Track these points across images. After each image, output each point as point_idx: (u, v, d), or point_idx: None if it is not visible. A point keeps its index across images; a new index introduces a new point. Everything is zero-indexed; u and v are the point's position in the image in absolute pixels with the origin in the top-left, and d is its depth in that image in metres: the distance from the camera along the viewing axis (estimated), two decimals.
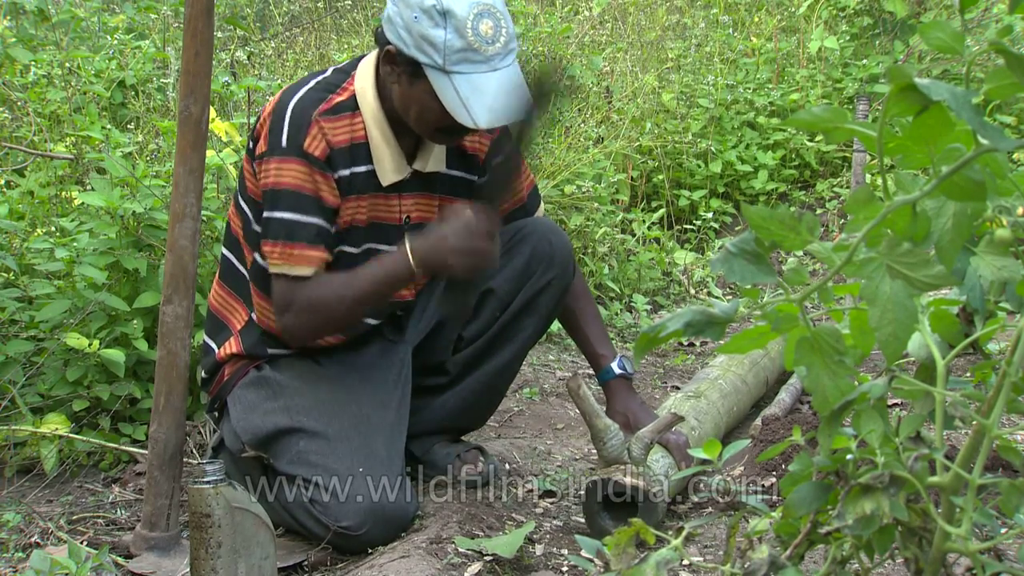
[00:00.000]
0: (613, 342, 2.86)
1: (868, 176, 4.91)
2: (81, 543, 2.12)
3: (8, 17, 4.12)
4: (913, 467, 1.01)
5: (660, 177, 5.31)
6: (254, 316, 2.27)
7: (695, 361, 3.80)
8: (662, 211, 5.10)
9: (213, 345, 2.32)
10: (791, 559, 1.09)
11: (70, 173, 3.35)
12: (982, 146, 0.89)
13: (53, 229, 2.95)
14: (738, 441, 1.42)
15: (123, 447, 2.56)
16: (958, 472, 1.00)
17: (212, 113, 2.66)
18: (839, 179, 5.63)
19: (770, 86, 5.95)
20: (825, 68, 6.05)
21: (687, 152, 5.41)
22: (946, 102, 0.86)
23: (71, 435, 2.48)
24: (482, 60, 2.02)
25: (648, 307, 4.35)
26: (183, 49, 2.05)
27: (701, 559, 2.06)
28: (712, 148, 5.46)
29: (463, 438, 2.52)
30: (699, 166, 5.46)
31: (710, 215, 5.06)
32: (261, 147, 2.15)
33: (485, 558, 1.96)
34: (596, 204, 4.40)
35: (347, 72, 2.21)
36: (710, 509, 2.30)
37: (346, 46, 5.86)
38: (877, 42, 6.29)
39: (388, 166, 2.19)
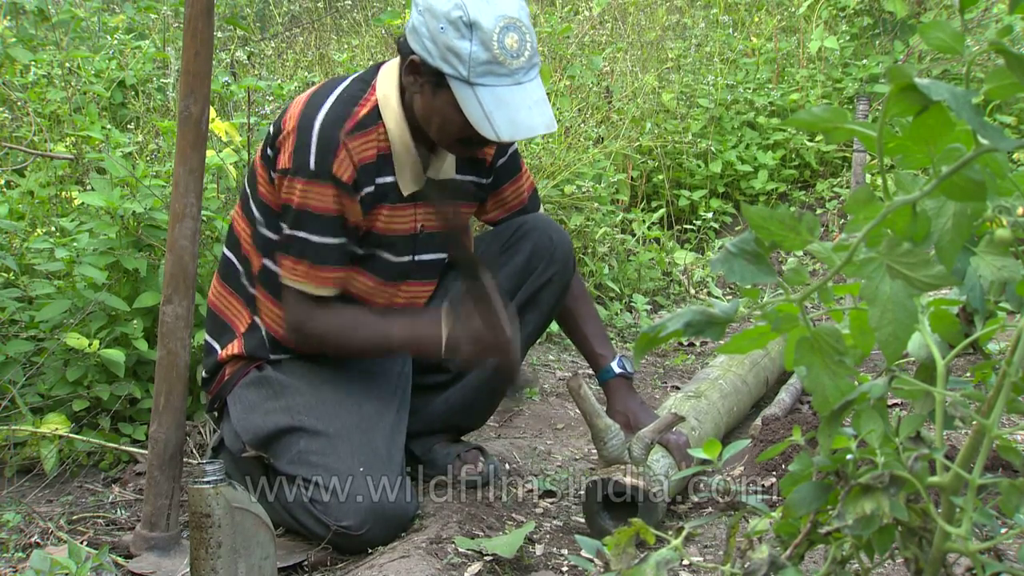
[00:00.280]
0: (613, 342, 2.86)
1: (868, 176, 4.91)
2: (81, 543, 2.12)
3: (8, 17, 4.12)
4: (913, 467, 1.01)
5: (660, 177, 5.31)
6: (258, 319, 2.27)
7: (695, 361, 3.80)
8: (662, 211, 5.10)
9: (216, 346, 2.32)
10: (791, 559, 1.09)
11: (70, 173, 3.35)
12: (982, 146, 0.89)
13: (53, 229, 2.94)
14: (738, 441, 1.42)
15: (123, 447, 2.56)
16: (958, 472, 1.00)
17: (212, 113, 2.66)
18: (839, 179, 5.63)
19: (770, 86, 5.95)
20: (825, 68, 6.05)
21: (687, 152, 5.41)
22: (946, 102, 0.86)
23: (71, 435, 2.48)
24: (506, 73, 2.02)
25: (648, 307, 4.35)
26: (183, 49, 2.05)
27: (701, 559, 2.06)
28: (712, 148, 5.46)
29: (463, 438, 2.53)
30: (699, 166, 5.46)
31: (710, 215, 5.06)
32: (284, 162, 2.12)
33: (485, 558, 1.96)
34: (596, 204, 4.39)
35: (367, 81, 2.19)
36: (710, 509, 2.30)
37: (346, 46, 5.86)
38: (877, 42, 6.29)
39: (408, 176, 2.20)
